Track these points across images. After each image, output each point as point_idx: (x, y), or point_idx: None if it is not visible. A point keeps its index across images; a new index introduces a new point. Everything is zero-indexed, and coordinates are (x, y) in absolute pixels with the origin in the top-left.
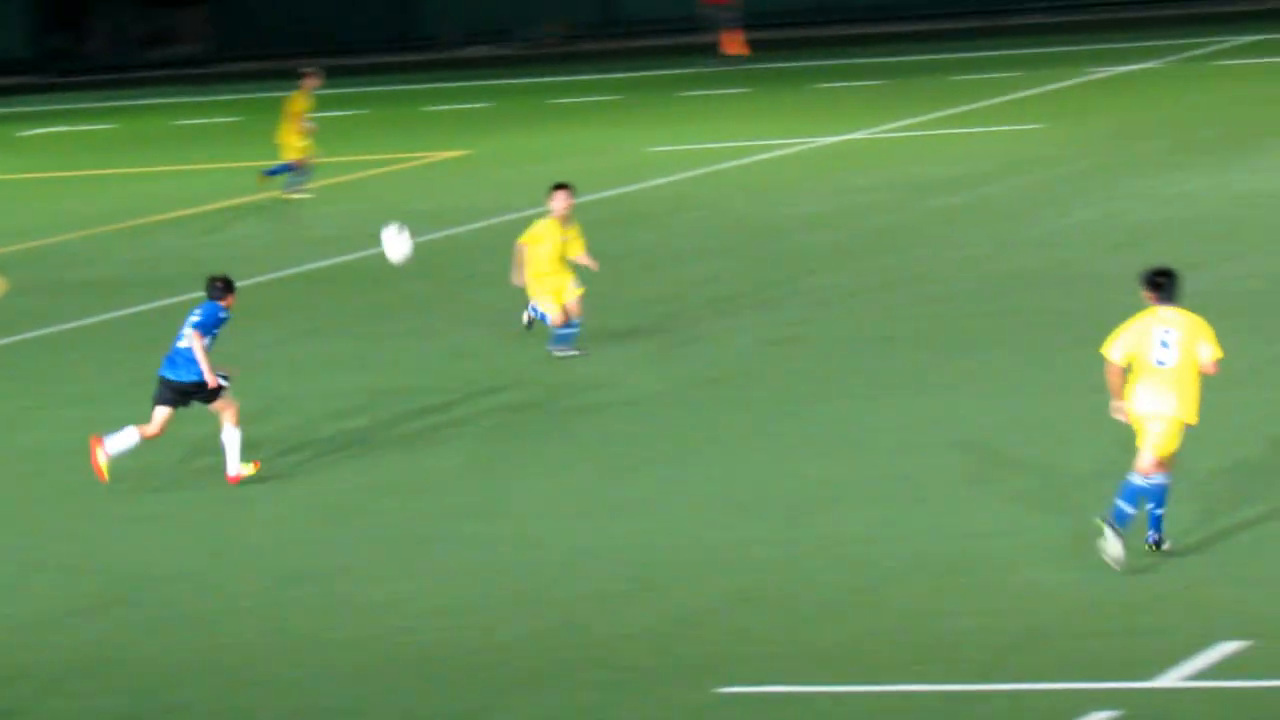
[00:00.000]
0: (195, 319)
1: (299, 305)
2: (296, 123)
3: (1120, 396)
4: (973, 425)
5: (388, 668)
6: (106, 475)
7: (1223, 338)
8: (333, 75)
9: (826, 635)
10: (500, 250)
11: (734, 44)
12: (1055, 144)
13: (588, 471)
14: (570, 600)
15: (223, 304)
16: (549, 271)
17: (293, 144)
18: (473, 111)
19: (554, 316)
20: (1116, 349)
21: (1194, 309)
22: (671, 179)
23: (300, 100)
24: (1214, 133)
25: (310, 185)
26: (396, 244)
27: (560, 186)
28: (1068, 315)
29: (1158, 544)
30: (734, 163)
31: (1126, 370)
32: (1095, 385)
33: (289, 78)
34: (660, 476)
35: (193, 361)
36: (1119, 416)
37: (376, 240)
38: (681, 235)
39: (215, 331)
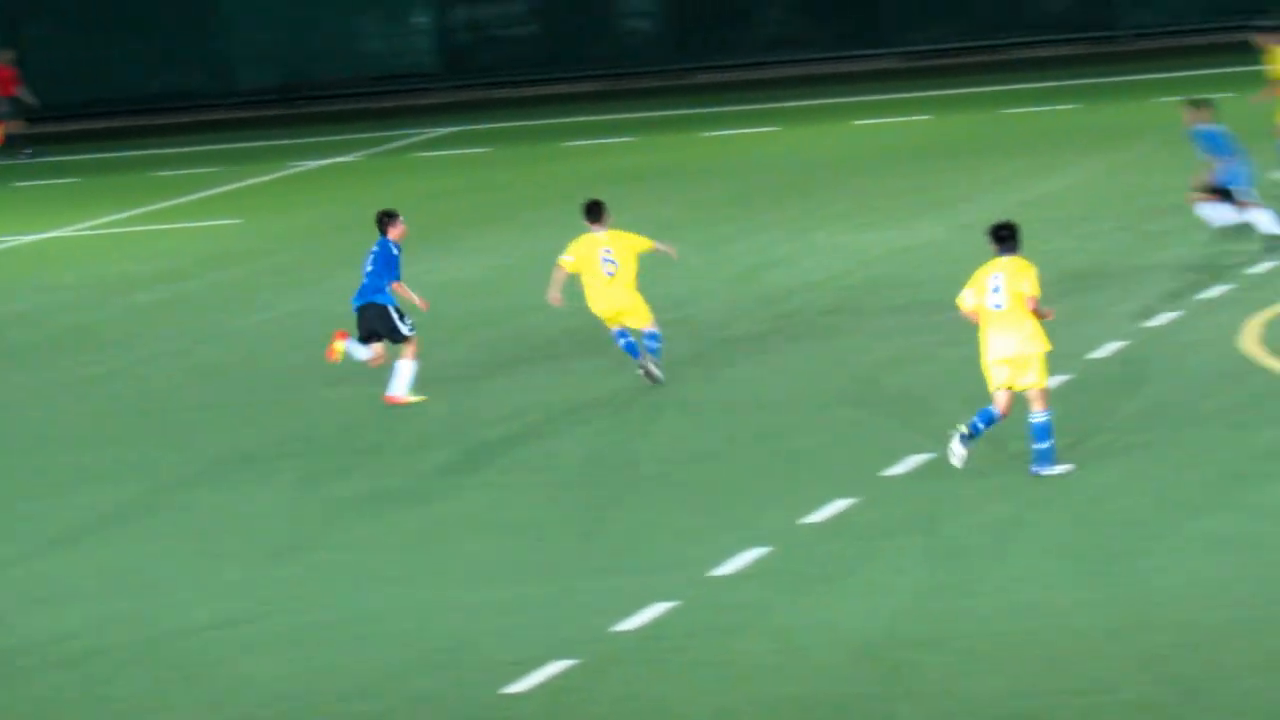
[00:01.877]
0: (370, 268)
1: None
2: None
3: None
4: (184, 516)
5: None
6: (336, 357)
7: (432, 425)
8: None
9: None
10: None
11: None
12: (254, 239)
13: None
14: None
15: (391, 237)
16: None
17: None
18: None
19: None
20: (966, 297)
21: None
22: None
23: None
24: (409, 224)
25: None
26: None
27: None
28: (271, 408)
29: (1040, 472)
30: None
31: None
32: (304, 476)
33: None
34: None
35: (372, 289)
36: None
37: None
38: None
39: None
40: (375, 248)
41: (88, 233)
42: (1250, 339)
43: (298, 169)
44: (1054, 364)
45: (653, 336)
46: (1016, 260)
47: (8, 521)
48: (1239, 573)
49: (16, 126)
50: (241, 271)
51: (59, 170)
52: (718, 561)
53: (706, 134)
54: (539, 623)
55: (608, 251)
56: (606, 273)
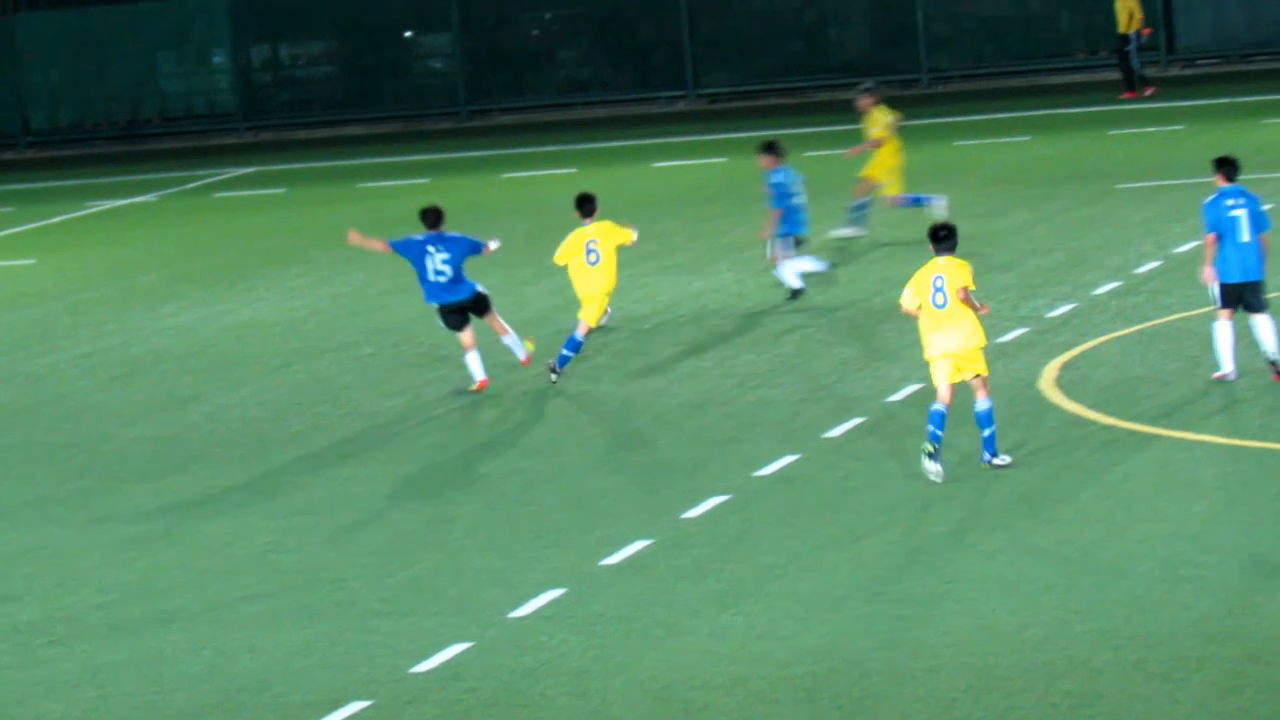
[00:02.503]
0: (445, 256)
1: None
2: None
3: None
4: None
5: None
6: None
7: (228, 465)
8: None
9: None
10: None
11: None
12: (50, 279)
13: None
14: None
15: (434, 231)
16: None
17: None
18: None
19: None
20: (907, 297)
21: (192, 439)
22: None
23: None
24: (208, 264)
25: None
26: None
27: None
28: (68, 448)
29: (990, 461)
30: None
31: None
32: (100, 516)
33: None
34: None
35: (459, 285)
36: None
37: None
38: None
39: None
40: (435, 248)
41: None
42: (1047, 382)
43: (95, 209)
44: (849, 407)
45: (574, 342)
46: (954, 260)
47: None
48: (1030, 617)
49: None
50: (38, 312)
51: None
52: (515, 603)
53: (505, 175)
54: (335, 663)
55: (593, 242)
56: (590, 261)
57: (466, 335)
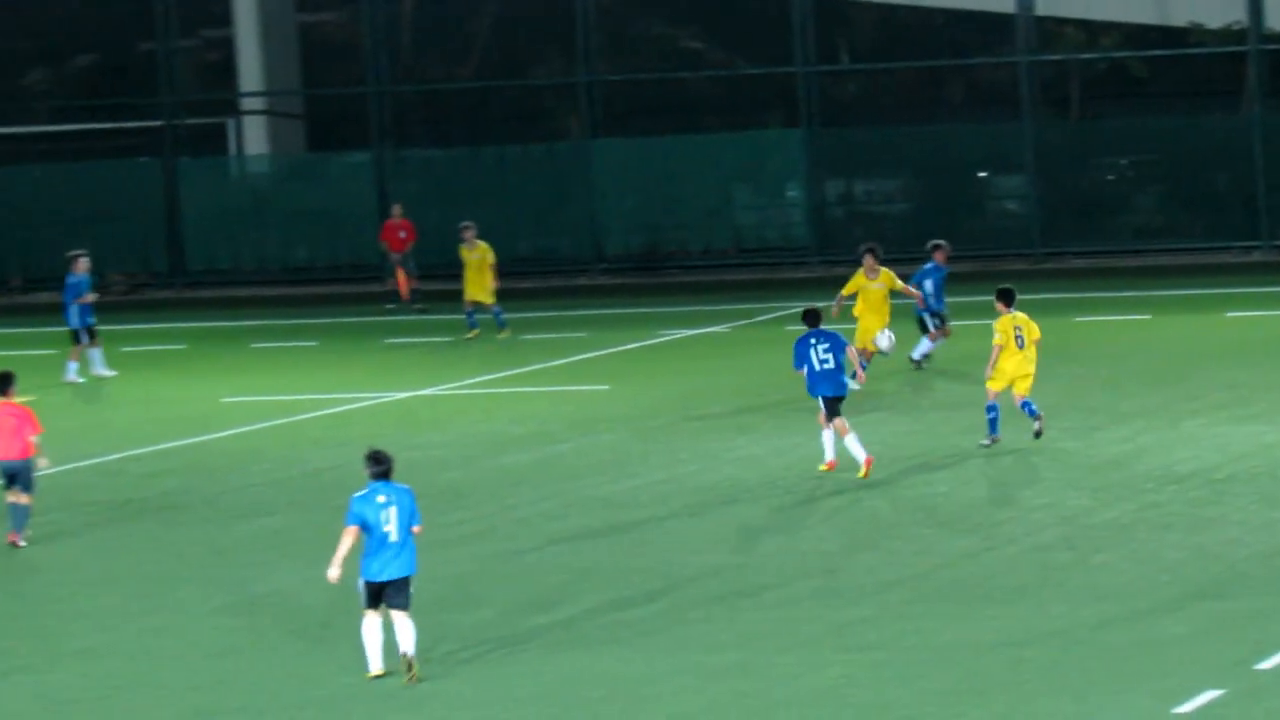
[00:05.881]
0: (825, 346)
1: None
2: None
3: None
4: (551, 681)
5: None
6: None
7: (798, 599)
8: None
9: None
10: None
11: (402, 287)
12: (623, 405)
13: None
14: None
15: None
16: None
17: None
18: (39, 358)
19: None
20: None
21: (764, 571)
22: (244, 430)
23: None
24: (779, 397)
25: None
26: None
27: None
28: (642, 573)
29: None
30: (306, 415)
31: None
32: (671, 643)
33: None
34: None
35: (839, 379)
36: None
37: None
38: (252, 486)
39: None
40: (828, 342)
41: (456, 392)
42: None
43: (667, 338)
44: None
45: (1026, 404)
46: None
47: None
48: None
49: (410, 282)
50: (611, 437)
51: (426, 329)
52: None
53: (1078, 319)
54: None
55: (1020, 329)
56: (1019, 345)
57: (840, 422)
